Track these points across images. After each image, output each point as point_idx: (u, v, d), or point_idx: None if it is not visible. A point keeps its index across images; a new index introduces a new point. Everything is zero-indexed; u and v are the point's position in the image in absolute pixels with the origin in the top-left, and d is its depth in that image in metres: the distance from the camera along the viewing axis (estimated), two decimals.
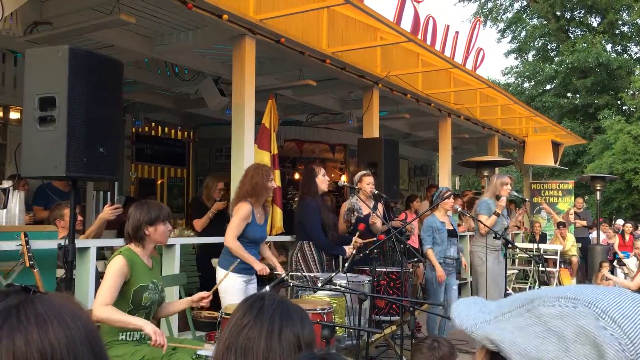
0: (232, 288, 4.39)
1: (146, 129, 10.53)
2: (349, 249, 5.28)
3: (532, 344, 0.65)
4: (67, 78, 3.31)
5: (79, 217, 4.95)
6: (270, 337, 1.42)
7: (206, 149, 11.52)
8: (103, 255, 5.49)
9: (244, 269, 4.48)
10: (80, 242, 4.10)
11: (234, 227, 4.47)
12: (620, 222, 15.35)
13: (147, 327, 3.18)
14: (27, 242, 3.54)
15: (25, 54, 3.53)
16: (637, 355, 0.60)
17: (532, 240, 11.56)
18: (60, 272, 3.95)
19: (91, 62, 3.46)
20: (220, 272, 4.52)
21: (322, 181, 5.42)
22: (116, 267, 3.25)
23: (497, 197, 6.12)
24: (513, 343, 0.66)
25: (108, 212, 4.61)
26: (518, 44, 30.14)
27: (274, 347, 1.41)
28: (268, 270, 4.57)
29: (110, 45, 5.77)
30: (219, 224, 6.01)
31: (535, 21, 29.46)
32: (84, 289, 4.10)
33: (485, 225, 5.88)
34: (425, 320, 6.04)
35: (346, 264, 4.64)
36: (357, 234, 5.31)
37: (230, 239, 4.47)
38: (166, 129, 11.06)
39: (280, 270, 4.78)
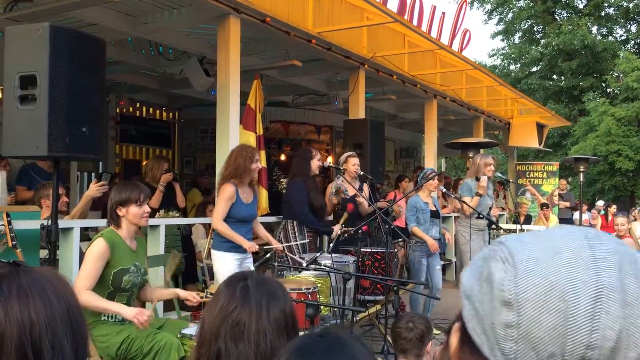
0: (227, 267, 4.43)
1: (130, 109, 10.43)
2: (336, 228, 5.33)
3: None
4: (48, 56, 3.26)
5: (65, 199, 4.91)
6: (260, 318, 1.41)
7: (191, 129, 11.45)
8: (87, 236, 5.46)
9: (236, 247, 4.54)
10: (63, 223, 4.08)
11: (219, 209, 4.53)
12: (600, 203, 15.53)
13: (126, 312, 3.18)
14: (9, 223, 3.51)
15: (5, 32, 3.47)
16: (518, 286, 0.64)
17: (516, 222, 11.67)
18: (44, 253, 3.93)
19: (73, 40, 3.41)
20: (214, 255, 4.57)
21: (316, 164, 5.57)
22: (97, 250, 3.23)
23: (477, 178, 6.17)
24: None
25: (94, 189, 4.57)
26: (504, 26, 30.13)
27: (264, 328, 1.41)
28: (257, 247, 4.62)
29: (93, 23, 5.68)
30: (171, 197, 6.05)
31: (522, 3, 29.44)
32: (67, 269, 4.09)
33: (469, 206, 5.93)
34: (409, 300, 6.09)
35: (331, 244, 4.66)
36: (345, 214, 5.36)
37: (216, 221, 4.53)
38: (151, 109, 10.96)
39: (275, 244, 4.83)
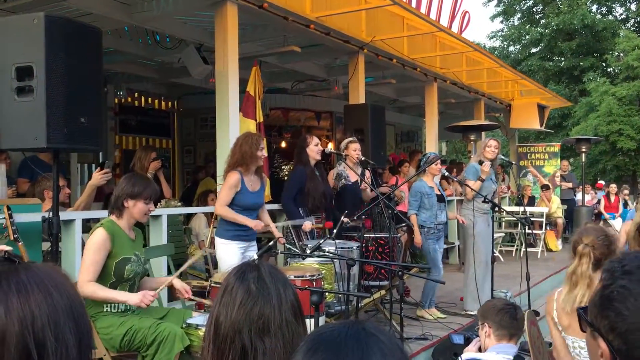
0: (231, 256, 4.41)
1: (129, 99, 10.37)
2: (308, 225, 5.16)
3: None
4: (44, 46, 3.22)
5: (67, 190, 4.89)
6: (280, 306, 1.42)
7: (191, 119, 11.40)
8: (89, 227, 5.44)
9: (240, 235, 4.53)
10: (65, 215, 4.06)
11: (222, 196, 4.55)
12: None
13: (132, 299, 3.17)
14: (10, 216, 3.48)
15: None
16: None
17: (518, 204, 11.66)
18: (46, 245, 3.91)
19: (68, 29, 3.37)
20: (218, 242, 4.56)
21: (314, 150, 5.43)
22: (98, 240, 3.22)
23: (480, 162, 6.14)
24: None
25: (98, 177, 4.53)
26: (504, 7, 29.92)
27: (286, 315, 1.42)
28: (262, 224, 4.63)
29: (88, 13, 5.62)
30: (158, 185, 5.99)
31: None
32: (70, 261, 4.07)
33: (472, 189, 5.91)
34: (423, 286, 6.02)
35: (334, 231, 4.63)
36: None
37: (218, 207, 4.57)
38: (150, 99, 10.90)
39: (276, 234, 4.79)
